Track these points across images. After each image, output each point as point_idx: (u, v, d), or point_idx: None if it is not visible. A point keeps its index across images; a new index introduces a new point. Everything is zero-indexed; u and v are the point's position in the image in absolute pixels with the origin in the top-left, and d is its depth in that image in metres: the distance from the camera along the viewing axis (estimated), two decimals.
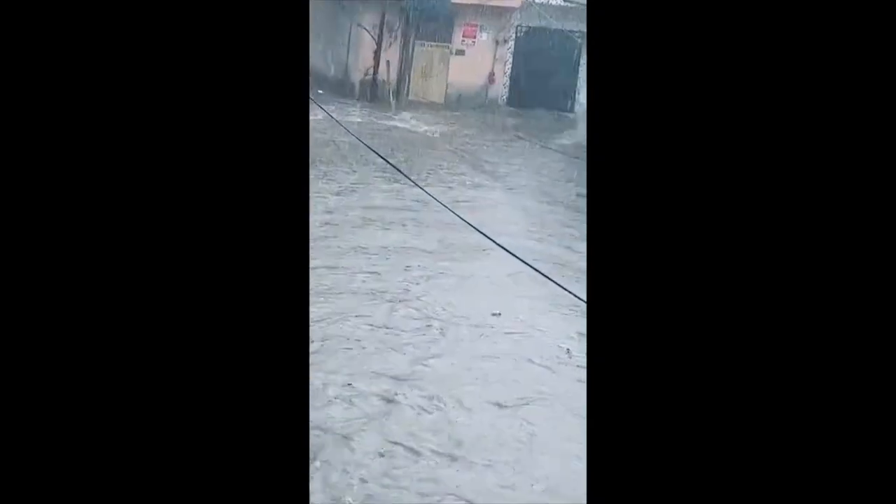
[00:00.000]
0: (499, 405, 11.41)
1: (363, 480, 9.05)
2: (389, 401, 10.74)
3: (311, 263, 14.76)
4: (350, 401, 10.05)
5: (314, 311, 13.09)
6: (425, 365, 12.01)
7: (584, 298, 11.28)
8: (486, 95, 32.32)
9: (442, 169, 21.92)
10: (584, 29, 29.91)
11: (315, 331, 12.80)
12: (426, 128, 27.68)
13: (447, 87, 32.25)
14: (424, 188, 15.16)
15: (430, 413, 10.85)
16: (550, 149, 26.58)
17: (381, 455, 9.73)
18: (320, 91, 25.79)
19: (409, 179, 15.51)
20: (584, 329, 12.68)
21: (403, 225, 16.69)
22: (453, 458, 10.27)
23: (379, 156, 15.98)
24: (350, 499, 8.36)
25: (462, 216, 14.01)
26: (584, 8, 28.21)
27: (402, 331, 13.43)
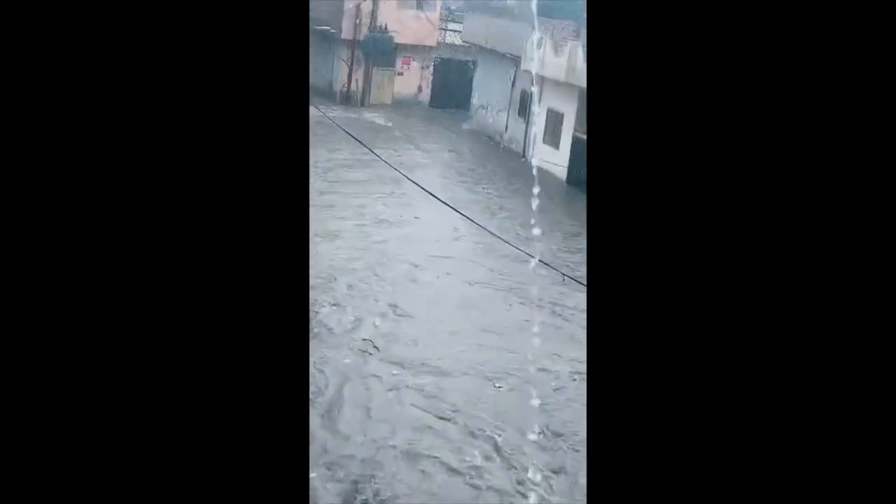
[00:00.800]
0: (416, 264, 16.24)
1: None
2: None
3: (321, 190, 19.29)
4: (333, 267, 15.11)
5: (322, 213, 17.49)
6: (379, 242, 17.16)
7: (468, 215, 14.86)
8: (417, 100, 33.85)
9: (387, 141, 25.70)
10: (475, 59, 31.33)
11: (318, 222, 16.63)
12: (380, 119, 29.97)
13: (393, 95, 33.36)
14: (375, 152, 16.90)
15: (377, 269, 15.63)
16: (452, 131, 29.72)
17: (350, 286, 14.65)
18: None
19: (366, 147, 16.61)
20: (466, 227, 16.44)
21: (367, 168, 21.20)
22: (386, 283, 15.16)
23: (351, 136, 17.28)
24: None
25: (398, 169, 17.21)
26: (476, 46, 30.59)
27: (370, 221, 18.51)
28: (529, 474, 9.48)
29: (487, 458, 9.88)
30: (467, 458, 9.80)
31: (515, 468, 9.73)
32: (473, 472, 9.54)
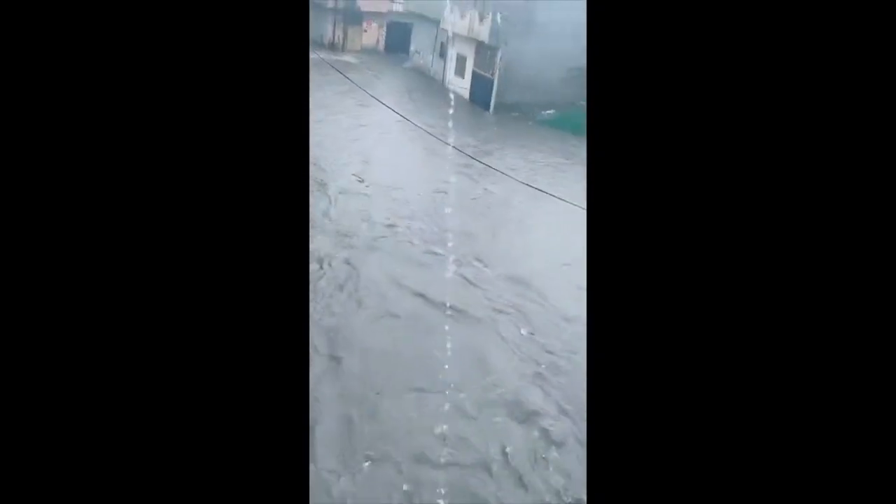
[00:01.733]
0: (375, 140, 16.72)
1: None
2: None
3: (317, 98, 17.57)
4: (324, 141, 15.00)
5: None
6: (355, 126, 17.54)
7: (406, 116, 15.72)
8: (377, 48, 32.77)
9: (357, 72, 25.35)
10: (412, 21, 29.99)
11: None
12: (352, 59, 29.28)
13: (362, 45, 32.56)
14: (348, 77, 17.85)
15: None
16: (398, 67, 29.13)
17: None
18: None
19: (344, 75, 17.30)
20: (404, 122, 15.98)
21: (344, 86, 20.11)
22: (355, 149, 15.56)
23: (333, 67, 18.11)
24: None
25: (362, 87, 18.08)
26: (412, 13, 29.70)
27: (346, 116, 18.83)
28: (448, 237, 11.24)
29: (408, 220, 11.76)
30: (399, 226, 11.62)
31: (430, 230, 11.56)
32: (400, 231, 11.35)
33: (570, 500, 5.55)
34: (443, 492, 5.43)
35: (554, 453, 6.28)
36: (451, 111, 21.10)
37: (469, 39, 23.83)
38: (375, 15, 33.18)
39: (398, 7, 32.57)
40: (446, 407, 6.74)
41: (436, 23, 27.06)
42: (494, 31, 22.20)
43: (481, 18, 23.00)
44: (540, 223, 12.50)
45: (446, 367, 7.30)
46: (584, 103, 21.56)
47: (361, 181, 13.60)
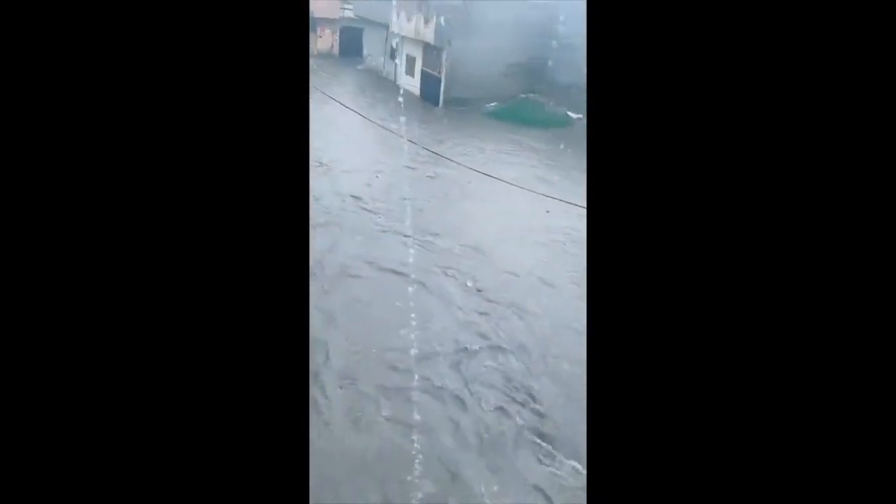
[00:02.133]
0: (339, 133, 16.93)
1: None
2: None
3: None
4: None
5: None
6: (318, 128, 16.65)
7: (362, 113, 16.19)
8: (331, 53, 32.48)
9: (314, 75, 24.70)
10: (363, 26, 30.34)
11: None
12: (313, 62, 29.07)
13: (317, 50, 31.80)
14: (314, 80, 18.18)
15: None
16: (352, 70, 29.12)
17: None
18: None
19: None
20: (360, 119, 16.07)
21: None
22: (320, 141, 15.61)
23: None
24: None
25: (321, 89, 18.01)
26: (363, 18, 29.80)
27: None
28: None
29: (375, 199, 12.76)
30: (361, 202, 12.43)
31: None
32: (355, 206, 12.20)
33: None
34: (414, 410, 6.43)
35: (497, 378, 7.37)
36: (402, 107, 21.94)
37: (417, 41, 24.18)
38: (328, 21, 32.85)
39: (349, 13, 33.33)
40: (413, 345, 7.82)
41: (385, 27, 27.10)
42: (439, 33, 23.08)
43: (426, 21, 23.80)
44: (487, 202, 13.41)
45: (412, 315, 8.40)
46: (524, 96, 22.84)
47: (321, 165, 14.09)
